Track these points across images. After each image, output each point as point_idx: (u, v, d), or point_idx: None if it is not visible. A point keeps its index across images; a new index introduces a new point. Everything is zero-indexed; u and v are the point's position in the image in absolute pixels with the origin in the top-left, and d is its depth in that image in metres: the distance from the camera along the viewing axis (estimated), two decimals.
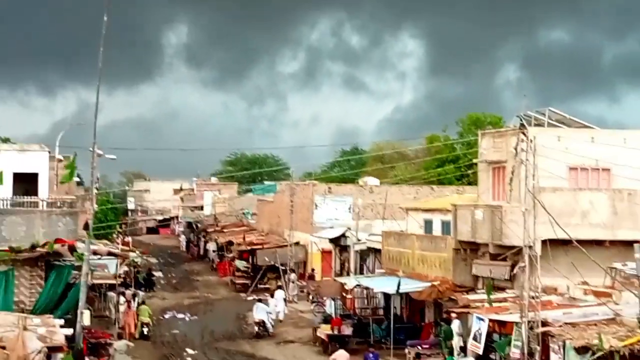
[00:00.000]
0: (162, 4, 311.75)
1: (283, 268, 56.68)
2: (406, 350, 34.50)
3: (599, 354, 21.08)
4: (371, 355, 32.84)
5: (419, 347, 34.58)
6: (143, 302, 43.97)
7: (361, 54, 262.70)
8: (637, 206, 30.96)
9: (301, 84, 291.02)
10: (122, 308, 39.81)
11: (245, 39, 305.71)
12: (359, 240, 51.20)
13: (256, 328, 42.67)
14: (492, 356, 28.44)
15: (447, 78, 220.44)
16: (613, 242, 28.77)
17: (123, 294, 42.02)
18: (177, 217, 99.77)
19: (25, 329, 20.64)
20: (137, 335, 37.97)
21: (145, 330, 39.94)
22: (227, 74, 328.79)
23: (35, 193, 34.68)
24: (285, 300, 48.43)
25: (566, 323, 23.79)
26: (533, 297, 24.90)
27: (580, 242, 25.93)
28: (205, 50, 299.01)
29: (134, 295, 44.08)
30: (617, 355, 20.46)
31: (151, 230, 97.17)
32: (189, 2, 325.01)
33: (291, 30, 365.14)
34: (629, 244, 24.45)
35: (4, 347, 18.69)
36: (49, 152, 37.96)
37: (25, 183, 34.88)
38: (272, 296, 48.30)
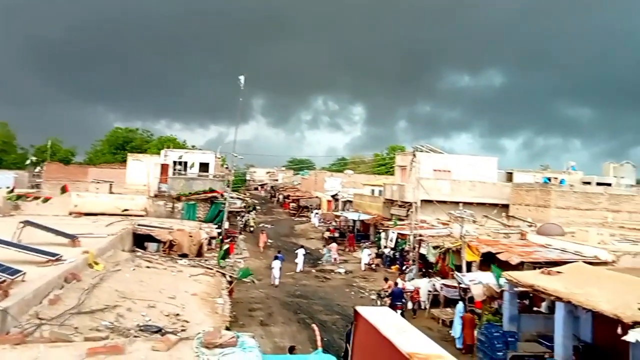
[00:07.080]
0: None
1: (311, 207, 56.20)
2: (361, 243, 34.25)
3: (443, 249, 20.88)
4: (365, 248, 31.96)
5: (365, 241, 34.30)
6: (250, 217, 43.62)
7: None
8: (461, 187, 30.52)
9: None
10: (241, 220, 39.46)
11: None
12: (343, 196, 50.73)
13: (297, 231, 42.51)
14: (397, 248, 28.14)
15: (378, 126, 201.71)
16: (450, 202, 28.32)
17: (242, 214, 41.62)
18: (266, 183, 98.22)
19: (200, 228, 20.46)
20: (249, 231, 37.61)
21: (252, 229, 39.69)
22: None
23: (207, 170, 34.37)
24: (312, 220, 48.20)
25: (429, 235, 23.52)
26: (415, 224, 24.62)
27: (437, 201, 25.62)
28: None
29: (248, 214, 43.61)
30: (450, 250, 20.22)
31: (255, 189, 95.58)
32: None
33: None
34: (457, 203, 24.04)
35: (191, 235, 18.38)
36: (215, 153, 37.54)
37: (204, 166, 34.59)
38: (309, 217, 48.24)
